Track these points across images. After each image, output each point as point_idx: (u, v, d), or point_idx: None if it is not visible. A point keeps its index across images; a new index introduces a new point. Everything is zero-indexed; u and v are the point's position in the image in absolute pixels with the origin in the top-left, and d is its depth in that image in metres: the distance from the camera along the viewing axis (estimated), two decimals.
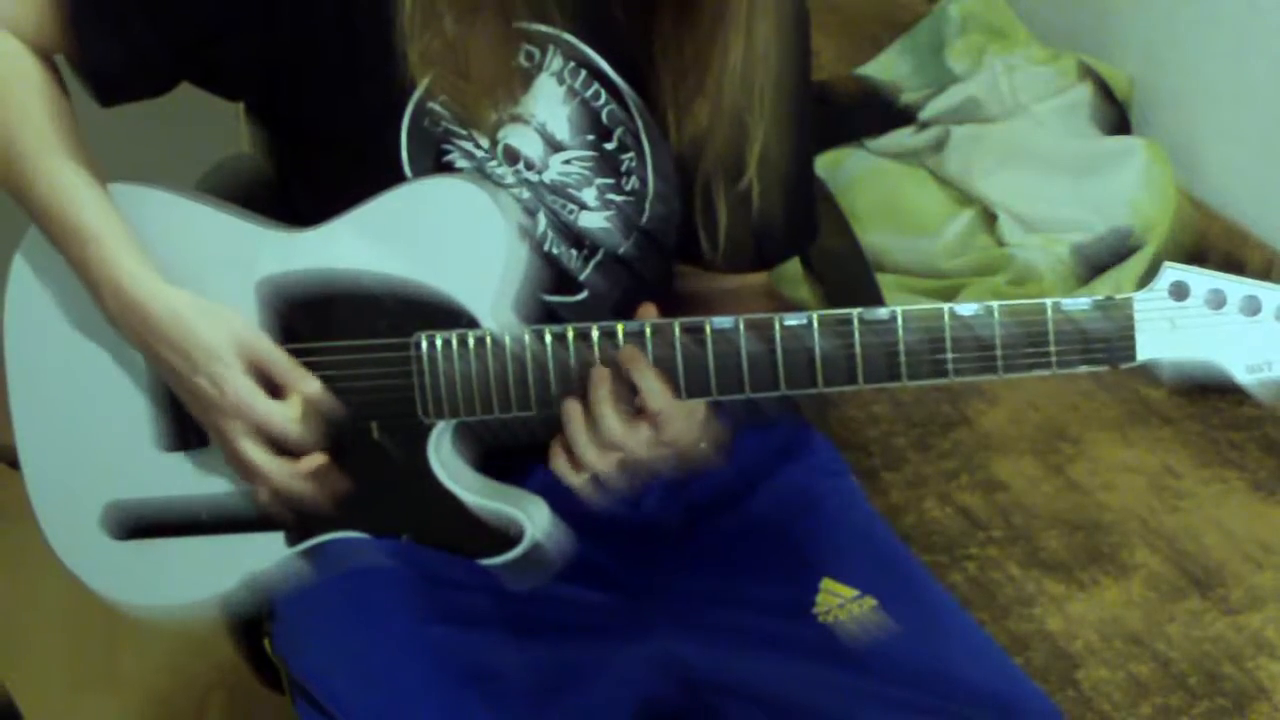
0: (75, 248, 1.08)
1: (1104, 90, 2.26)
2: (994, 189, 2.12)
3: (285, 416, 1.07)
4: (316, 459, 1.09)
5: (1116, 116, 2.26)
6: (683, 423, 1.06)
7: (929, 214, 2.17)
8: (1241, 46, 2.09)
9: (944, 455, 1.76)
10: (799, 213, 1.25)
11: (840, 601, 1.14)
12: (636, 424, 1.04)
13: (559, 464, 1.07)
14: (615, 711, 1.12)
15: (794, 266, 1.48)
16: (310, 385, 1.08)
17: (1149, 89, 2.30)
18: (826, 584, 1.15)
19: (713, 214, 1.14)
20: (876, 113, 2.31)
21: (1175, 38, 2.24)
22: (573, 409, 1.05)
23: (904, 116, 2.28)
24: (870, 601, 1.14)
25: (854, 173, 2.23)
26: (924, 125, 2.24)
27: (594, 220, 1.14)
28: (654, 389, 1.03)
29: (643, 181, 1.14)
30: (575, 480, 1.07)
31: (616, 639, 1.14)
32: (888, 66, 2.45)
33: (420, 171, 1.10)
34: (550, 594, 1.15)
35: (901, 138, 2.24)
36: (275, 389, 1.08)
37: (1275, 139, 2.04)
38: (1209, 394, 1.84)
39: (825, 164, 2.25)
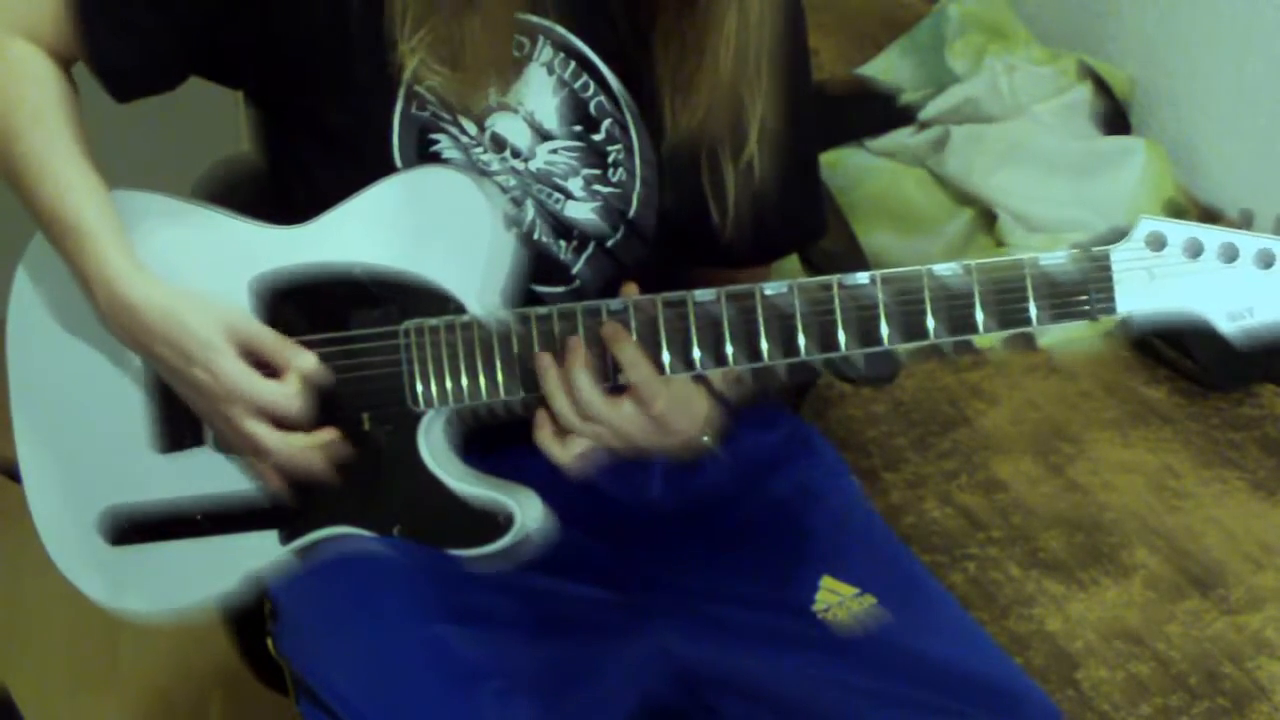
0: (72, 245, 1.09)
1: (1104, 90, 2.26)
2: (994, 189, 2.12)
3: (284, 394, 1.08)
4: (328, 433, 1.10)
5: (1116, 116, 2.26)
6: (671, 403, 1.06)
7: (929, 214, 2.17)
8: (1241, 46, 2.09)
9: (944, 455, 1.76)
10: (805, 200, 1.26)
11: (840, 599, 1.15)
12: (618, 400, 1.05)
13: (543, 435, 1.08)
14: (616, 708, 1.12)
15: (793, 267, 1.48)
16: (305, 360, 1.09)
17: (1149, 89, 2.30)
18: (826, 582, 1.16)
19: (721, 190, 1.14)
20: (876, 113, 2.30)
21: (1175, 38, 2.24)
22: (548, 366, 1.05)
23: (904, 116, 2.28)
24: (870, 599, 1.15)
25: (854, 173, 2.23)
26: (924, 125, 2.24)
27: (580, 211, 1.15)
28: (634, 361, 1.04)
29: (630, 173, 1.15)
30: (561, 455, 1.07)
31: (617, 636, 1.14)
32: (888, 66, 2.45)
33: (409, 160, 1.11)
34: (553, 591, 1.16)
35: (901, 138, 2.24)
36: (271, 372, 1.09)
37: (1275, 139, 2.04)
38: (1209, 394, 1.84)
39: (825, 164, 2.24)
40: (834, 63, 2.50)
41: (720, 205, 1.15)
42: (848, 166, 2.24)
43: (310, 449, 1.10)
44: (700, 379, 1.12)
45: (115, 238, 1.09)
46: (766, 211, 1.17)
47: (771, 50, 1.11)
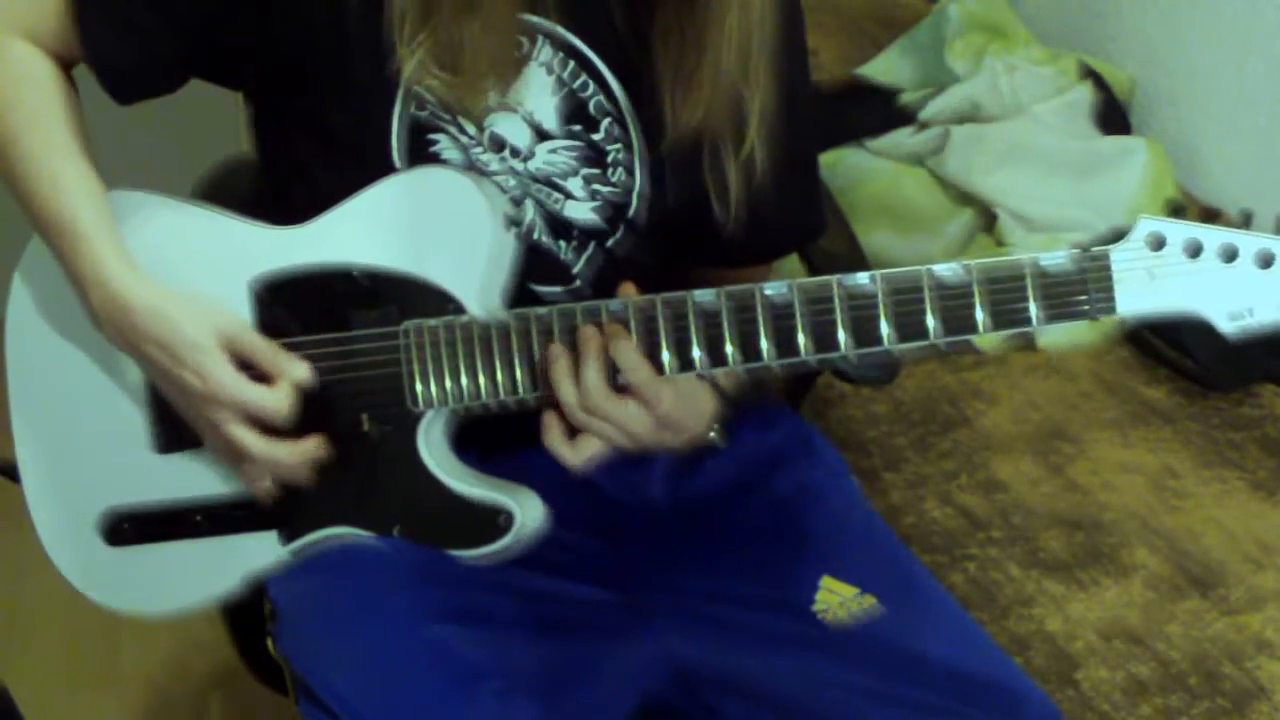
0: (67, 246, 1.10)
1: (1104, 90, 2.26)
2: (994, 189, 2.12)
3: (272, 399, 1.07)
4: (314, 441, 1.10)
5: (1116, 116, 2.26)
6: (676, 402, 1.06)
7: (929, 214, 2.17)
8: (1241, 46, 2.09)
9: (944, 455, 1.76)
10: (804, 199, 1.26)
11: (840, 599, 1.15)
12: (624, 398, 1.05)
13: (552, 437, 1.07)
14: (615, 708, 1.12)
15: (793, 268, 1.48)
16: (297, 370, 1.09)
17: (1149, 89, 2.30)
18: (826, 582, 1.16)
19: (723, 185, 1.14)
20: (876, 113, 2.31)
21: (1175, 38, 2.24)
22: (558, 355, 1.05)
23: (904, 116, 2.28)
24: (870, 599, 1.14)
25: (854, 173, 2.23)
26: (924, 125, 2.25)
27: (580, 211, 1.15)
28: (633, 363, 1.04)
29: (630, 173, 1.15)
30: (571, 457, 1.07)
31: (617, 637, 1.14)
32: (888, 66, 2.45)
33: (408, 160, 1.11)
34: (553, 592, 1.16)
35: (901, 138, 2.24)
36: (263, 378, 1.08)
37: (1275, 139, 2.04)
38: (1209, 394, 1.84)
39: (825, 164, 2.25)
40: (834, 63, 2.50)
41: (723, 200, 1.14)
42: (848, 166, 2.24)
43: (295, 456, 1.09)
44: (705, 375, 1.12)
45: (110, 239, 1.09)
46: (766, 210, 1.17)
47: (772, 45, 1.11)
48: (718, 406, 1.13)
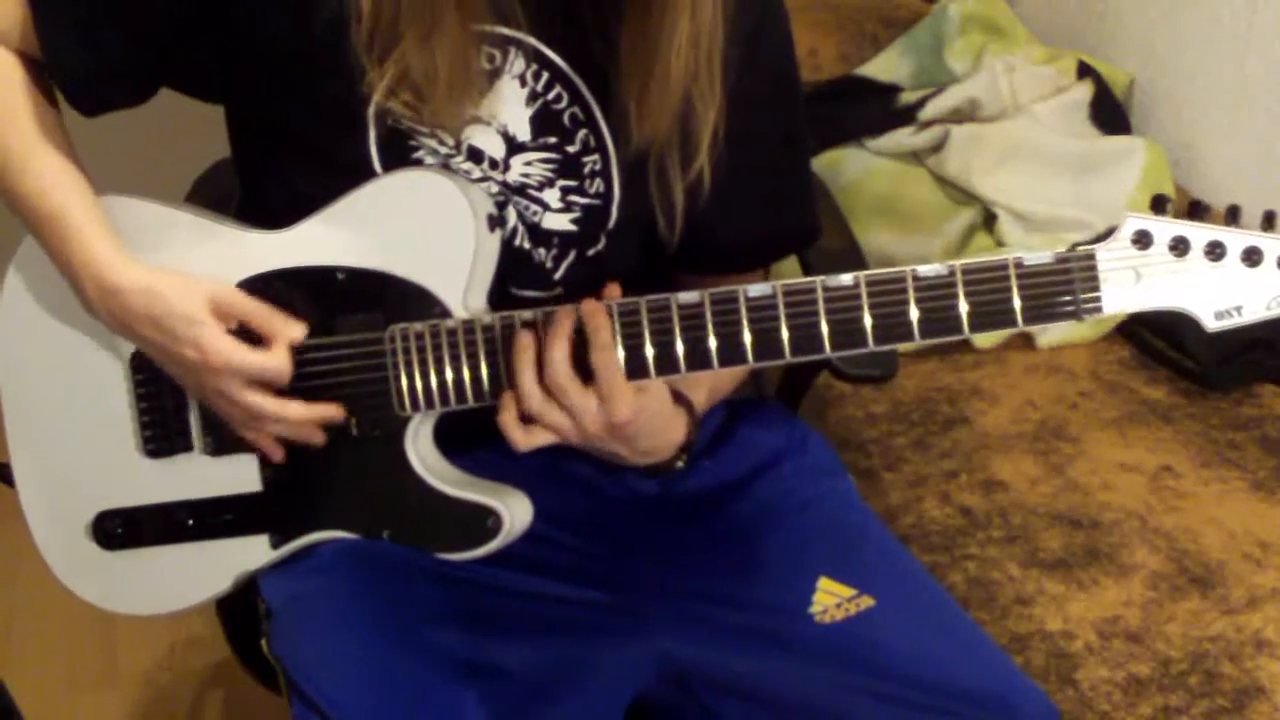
0: (57, 240, 1.10)
1: (1104, 90, 2.26)
2: (994, 189, 2.12)
3: (274, 361, 1.08)
4: (335, 406, 1.10)
5: (1116, 116, 2.26)
6: (641, 419, 1.05)
7: (929, 214, 2.17)
8: (1241, 46, 2.09)
9: (944, 455, 1.76)
10: (788, 203, 1.24)
11: (837, 600, 1.14)
12: (584, 388, 1.04)
13: (506, 418, 1.06)
14: (611, 709, 1.12)
15: (792, 268, 1.48)
16: (295, 331, 1.09)
17: (1149, 89, 2.30)
18: (824, 583, 1.16)
19: (669, 199, 1.13)
20: (876, 113, 2.30)
21: (1175, 38, 2.24)
22: (527, 345, 1.04)
23: (904, 116, 2.28)
24: (868, 600, 1.14)
25: (854, 173, 2.23)
26: (924, 125, 2.24)
27: (558, 222, 1.15)
28: (603, 343, 1.02)
29: (608, 184, 1.14)
30: (521, 440, 1.06)
31: (613, 637, 1.14)
32: (888, 66, 2.45)
33: (390, 166, 1.11)
34: (547, 593, 1.16)
35: (901, 138, 2.24)
36: (261, 343, 1.09)
37: (1274, 139, 2.04)
38: (1209, 394, 1.84)
39: (825, 164, 2.25)
40: (833, 62, 2.49)
41: (668, 215, 1.13)
42: (848, 166, 2.24)
43: (310, 413, 1.10)
44: (683, 403, 1.12)
45: (99, 227, 1.10)
46: (743, 218, 1.16)
47: (729, 55, 1.09)
48: (688, 438, 1.13)
